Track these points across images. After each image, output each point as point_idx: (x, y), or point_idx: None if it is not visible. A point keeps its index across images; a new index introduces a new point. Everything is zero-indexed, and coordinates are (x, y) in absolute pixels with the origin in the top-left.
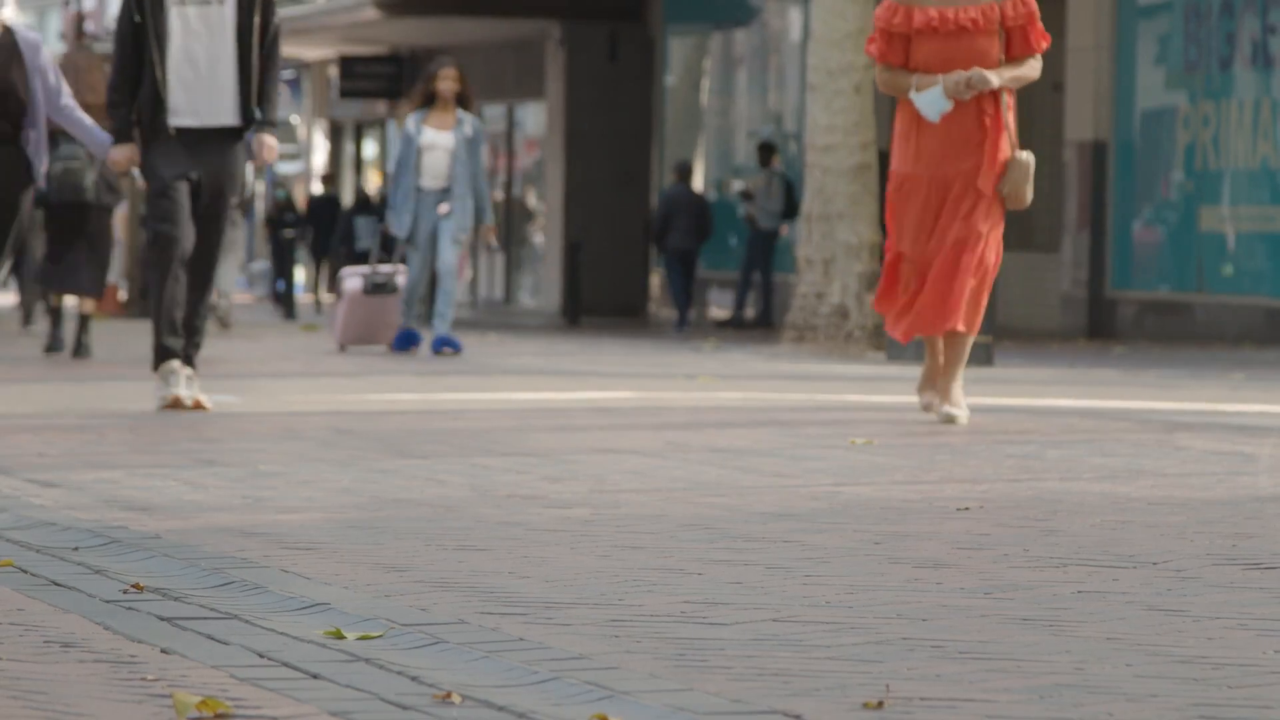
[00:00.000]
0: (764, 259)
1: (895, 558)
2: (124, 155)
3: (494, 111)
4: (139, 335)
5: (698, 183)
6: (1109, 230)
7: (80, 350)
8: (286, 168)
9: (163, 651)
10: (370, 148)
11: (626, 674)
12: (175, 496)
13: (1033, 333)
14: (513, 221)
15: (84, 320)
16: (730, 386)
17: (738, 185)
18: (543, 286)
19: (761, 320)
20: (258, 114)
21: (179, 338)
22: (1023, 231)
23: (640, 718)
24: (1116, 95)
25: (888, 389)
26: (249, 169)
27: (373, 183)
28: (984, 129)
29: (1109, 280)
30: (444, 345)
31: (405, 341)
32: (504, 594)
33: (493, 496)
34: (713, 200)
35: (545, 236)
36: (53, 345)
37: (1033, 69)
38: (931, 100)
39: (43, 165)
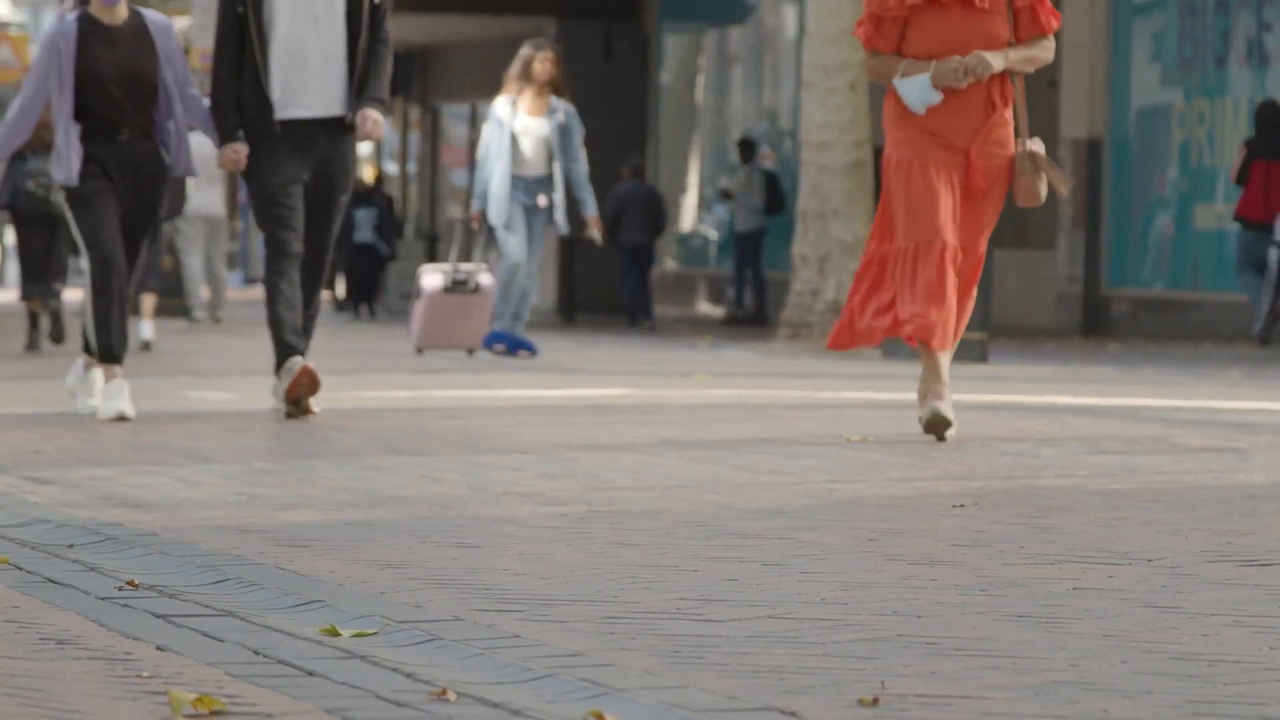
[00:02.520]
0: (752, 256)
1: (891, 555)
2: (231, 155)
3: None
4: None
5: (695, 181)
6: (1104, 228)
7: (56, 336)
8: None
9: (158, 648)
10: (367, 142)
11: (622, 671)
12: (170, 494)
13: (1028, 330)
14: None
15: (54, 314)
16: (726, 384)
17: (721, 184)
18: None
19: (756, 317)
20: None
21: (301, 337)
22: (1018, 229)
23: (635, 715)
24: (1112, 92)
25: (883, 386)
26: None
27: (369, 175)
28: (988, 120)
29: (1104, 278)
30: (519, 348)
31: (514, 345)
32: (499, 591)
33: (488, 494)
34: (709, 199)
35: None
36: (31, 345)
37: (1045, 50)
38: (917, 89)
39: (184, 158)
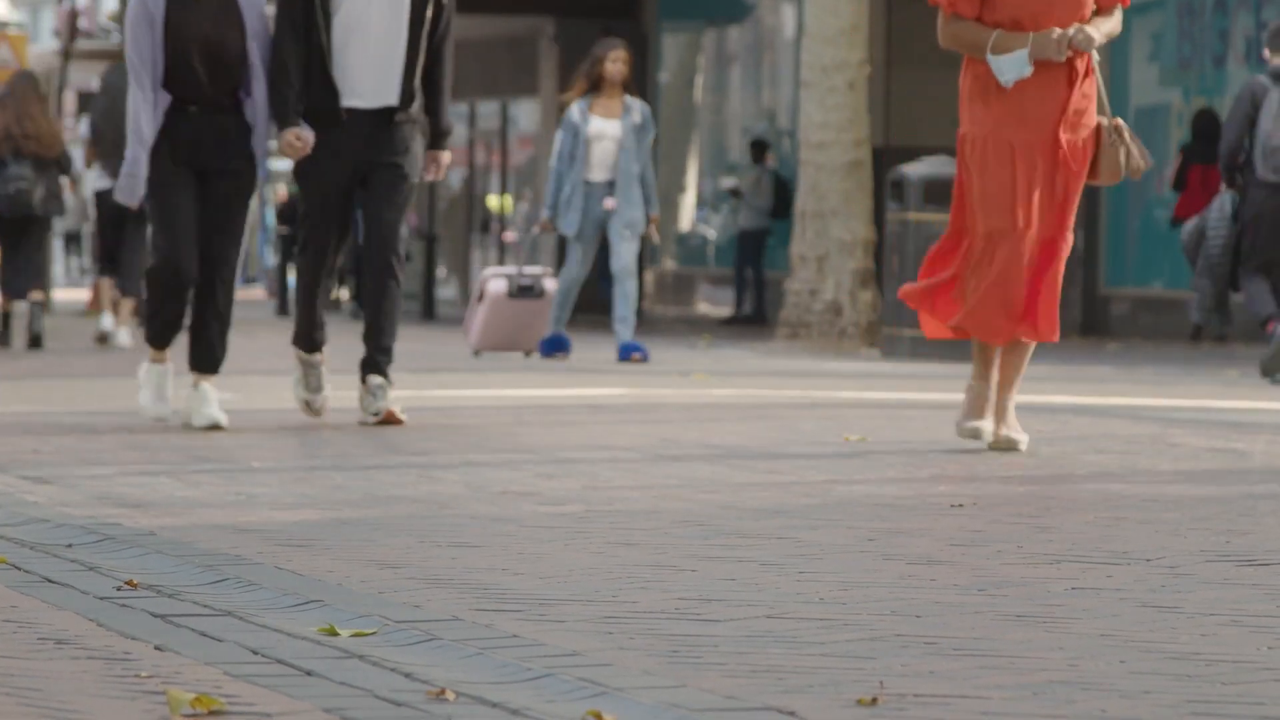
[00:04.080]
0: (754, 256)
1: (889, 554)
2: (293, 140)
3: (488, 108)
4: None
5: (694, 181)
6: (1102, 227)
7: (38, 341)
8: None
9: (156, 648)
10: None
11: (620, 671)
12: (169, 493)
13: None
14: (506, 218)
15: (35, 310)
16: (724, 383)
17: (727, 183)
18: None
19: (755, 317)
20: (419, 102)
21: (312, 342)
22: None
23: (634, 714)
24: (1110, 92)
25: (882, 386)
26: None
27: None
28: (1072, 94)
29: (1102, 277)
30: (632, 351)
31: (554, 347)
32: (497, 591)
33: (486, 493)
34: (709, 198)
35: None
36: (3, 341)
37: (1119, 24)
38: (1014, 63)
39: (264, 140)
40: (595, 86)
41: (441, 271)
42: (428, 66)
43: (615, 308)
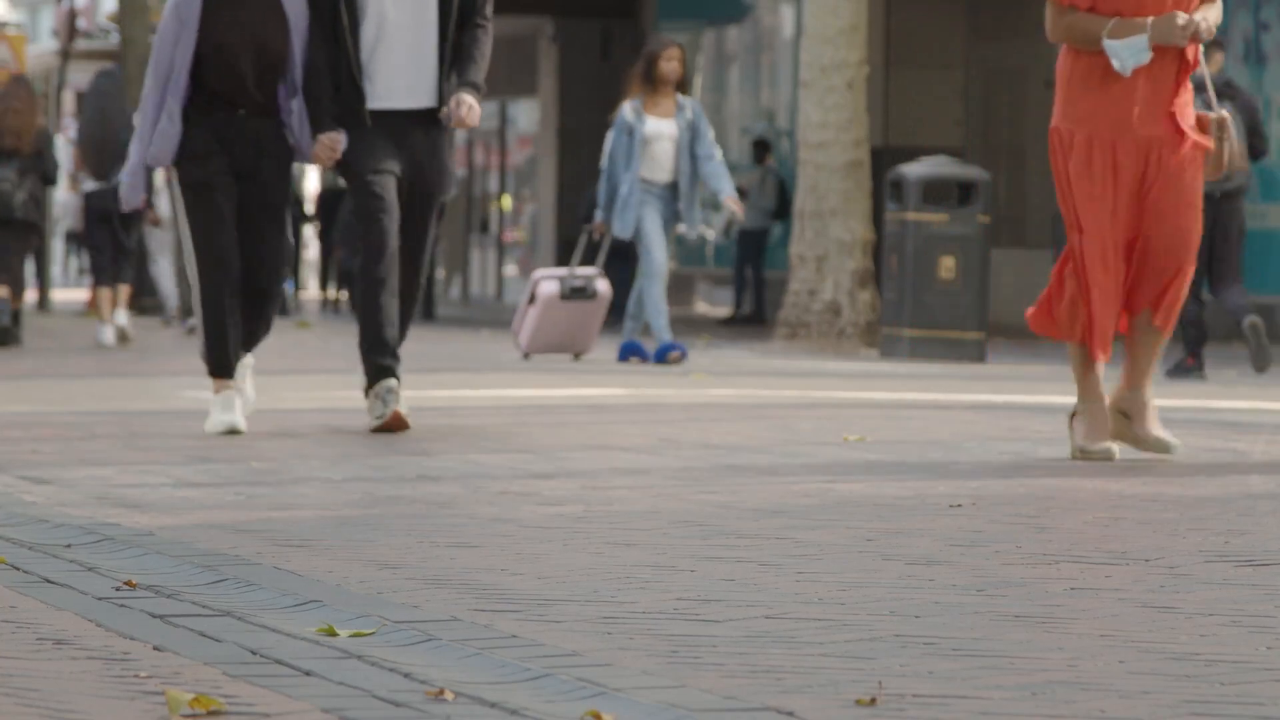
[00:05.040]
0: (755, 256)
1: (888, 554)
2: (327, 145)
3: (487, 108)
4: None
5: None
6: None
7: (8, 338)
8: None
9: (155, 648)
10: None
11: (619, 671)
12: (168, 493)
13: (1025, 329)
14: (504, 217)
15: (14, 312)
16: (723, 383)
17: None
18: None
19: (754, 317)
20: (456, 79)
21: (396, 358)
22: (1015, 228)
23: (632, 715)
24: None
25: (880, 386)
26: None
27: None
28: (1179, 86)
29: None
30: (671, 349)
31: (628, 354)
32: (496, 591)
33: (485, 493)
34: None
35: (538, 233)
36: None
37: (1220, 13)
38: (1133, 49)
39: (306, 142)
40: (649, 86)
41: (440, 272)
42: (462, 39)
43: (647, 306)
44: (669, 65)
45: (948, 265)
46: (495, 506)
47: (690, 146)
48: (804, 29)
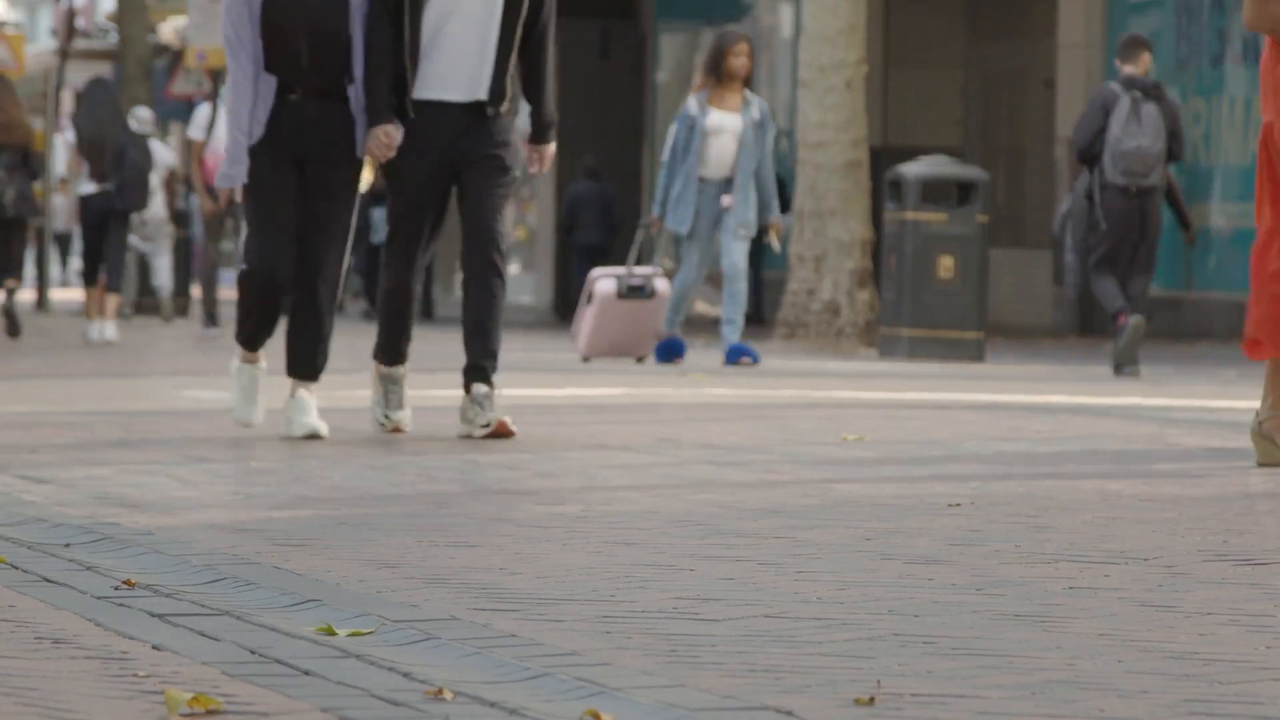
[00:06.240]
0: (754, 255)
1: (887, 554)
2: (382, 139)
3: None
4: (132, 332)
5: None
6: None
7: (11, 331)
8: None
9: (154, 648)
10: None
11: (617, 670)
12: (167, 493)
13: (1024, 329)
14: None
15: (8, 311)
16: (722, 383)
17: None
18: (534, 282)
19: (753, 317)
20: (513, 95)
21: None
22: (1014, 228)
23: (631, 714)
24: None
25: (879, 385)
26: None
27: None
28: None
29: None
30: (741, 355)
31: (669, 352)
32: (495, 590)
33: (484, 492)
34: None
35: (537, 233)
36: None
37: None
38: None
39: (365, 130)
40: (715, 80)
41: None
42: (528, 57)
43: (724, 309)
44: (737, 60)
45: (946, 265)
46: (494, 506)
47: (754, 144)
48: (803, 28)
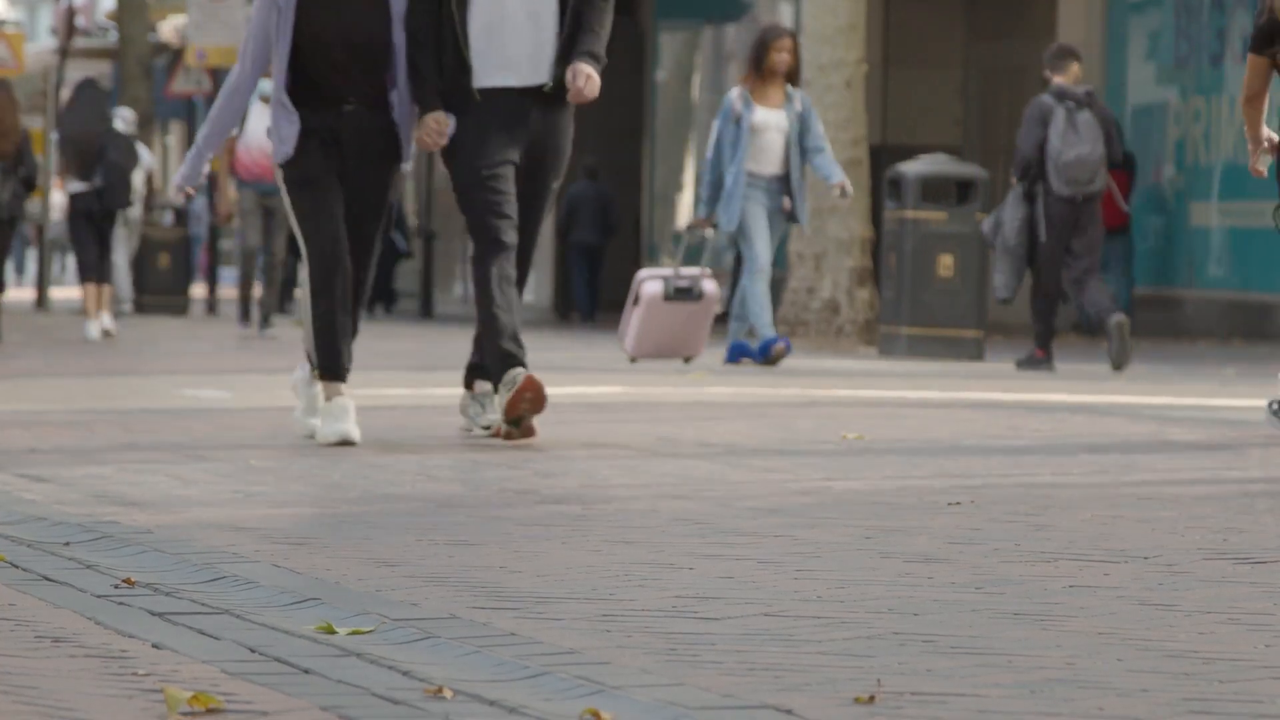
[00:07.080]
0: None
1: (886, 552)
2: (433, 128)
3: None
4: (131, 330)
5: (691, 179)
6: None
7: None
8: None
9: (154, 646)
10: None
11: (617, 669)
12: (166, 491)
13: (1023, 328)
14: None
15: None
16: (722, 381)
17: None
18: (534, 282)
19: None
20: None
21: (520, 344)
22: None
23: (631, 712)
24: (1107, 90)
25: (879, 384)
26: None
27: None
28: None
29: None
30: (743, 354)
31: (738, 355)
32: (495, 589)
33: (484, 491)
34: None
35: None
36: None
37: None
38: None
39: (410, 137)
40: (758, 75)
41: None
42: (576, 7)
43: (749, 303)
44: (780, 56)
45: (946, 263)
46: (494, 505)
47: (800, 139)
48: (802, 28)
